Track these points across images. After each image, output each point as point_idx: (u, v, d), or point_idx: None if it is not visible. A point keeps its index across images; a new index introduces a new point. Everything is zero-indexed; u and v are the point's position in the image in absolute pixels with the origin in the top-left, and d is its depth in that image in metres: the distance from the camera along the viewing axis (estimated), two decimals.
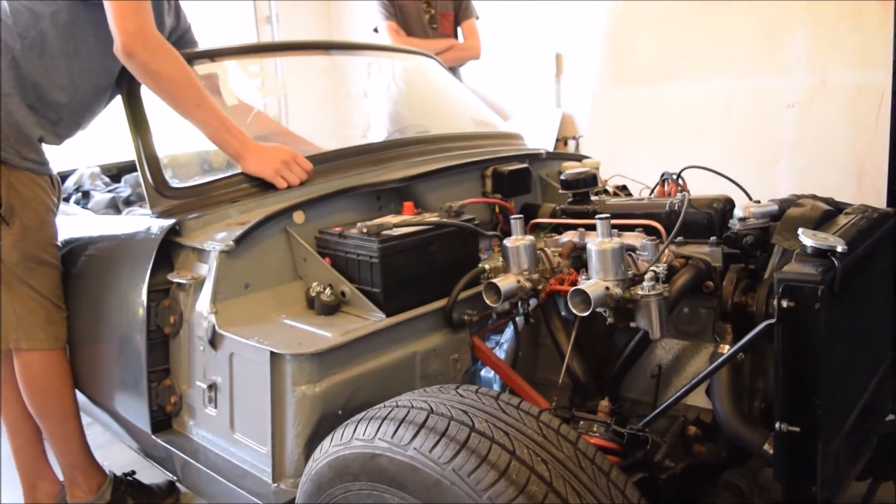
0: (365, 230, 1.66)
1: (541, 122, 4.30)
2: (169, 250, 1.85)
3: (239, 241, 1.70)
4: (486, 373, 2.07)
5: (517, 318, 1.92)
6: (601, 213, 1.64)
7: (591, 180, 2.07)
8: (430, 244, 1.75)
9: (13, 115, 2.00)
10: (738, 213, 1.72)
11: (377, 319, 1.63)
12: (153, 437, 1.84)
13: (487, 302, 1.69)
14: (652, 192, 2.19)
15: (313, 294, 1.71)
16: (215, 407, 1.73)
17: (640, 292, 1.55)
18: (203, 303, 1.70)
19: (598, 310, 1.55)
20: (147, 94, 2.04)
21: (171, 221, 1.82)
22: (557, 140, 4.31)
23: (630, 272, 1.60)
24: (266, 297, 1.75)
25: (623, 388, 1.80)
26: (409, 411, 1.21)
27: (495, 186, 2.19)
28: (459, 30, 4.01)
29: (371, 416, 1.26)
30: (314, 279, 1.76)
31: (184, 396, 1.83)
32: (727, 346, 1.62)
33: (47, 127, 2.10)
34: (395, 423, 1.20)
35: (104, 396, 2.09)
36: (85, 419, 2.30)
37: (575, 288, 1.53)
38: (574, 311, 1.54)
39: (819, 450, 1.34)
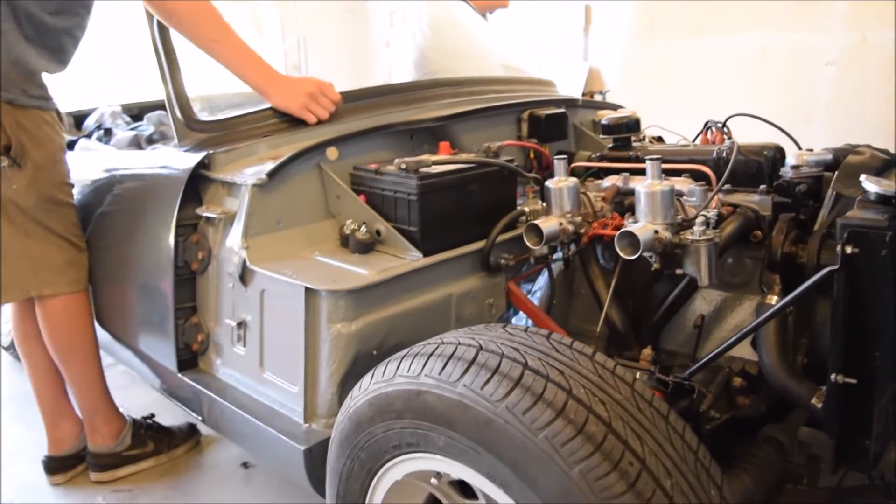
0: (404, 166, 1.60)
1: (567, 76, 4.20)
2: (197, 184, 1.79)
3: (272, 174, 1.64)
4: (517, 320, 2.02)
5: (554, 264, 1.87)
6: (644, 157, 1.57)
7: (633, 125, 2.00)
8: (469, 184, 1.69)
9: (13, 51, 1.91)
10: (790, 160, 1.65)
11: (414, 259, 1.58)
12: (179, 375, 1.80)
13: (528, 244, 1.63)
14: (695, 140, 2.11)
15: (347, 232, 1.65)
16: (244, 345, 1.69)
17: (690, 237, 1.49)
18: (234, 238, 1.65)
19: (645, 254, 1.49)
20: None
21: (201, 154, 1.77)
22: (584, 94, 4.21)
23: (679, 217, 1.54)
24: (298, 233, 1.70)
25: (662, 339, 1.75)
26: (456, 347, 1.16)
27: (531, 131, 2.12)
28: None
29: (416, 352, 1.21)
30: (348, 217, 1.70)
31: (211, 334, 1.79)
32: (775, 297, 1.57)
33: (49, 56, 2.00)
34: (443, 359, 1.15)
35: (128, 334, 2.05)
36: (105, 360, 2.27)
37: (623, 230, 1.47)
38: (621, 253, 1.48)
39: (875, 403, 1.29)
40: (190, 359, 1.82)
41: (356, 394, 1.28)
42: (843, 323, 1.28)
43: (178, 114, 1.87)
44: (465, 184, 1.68)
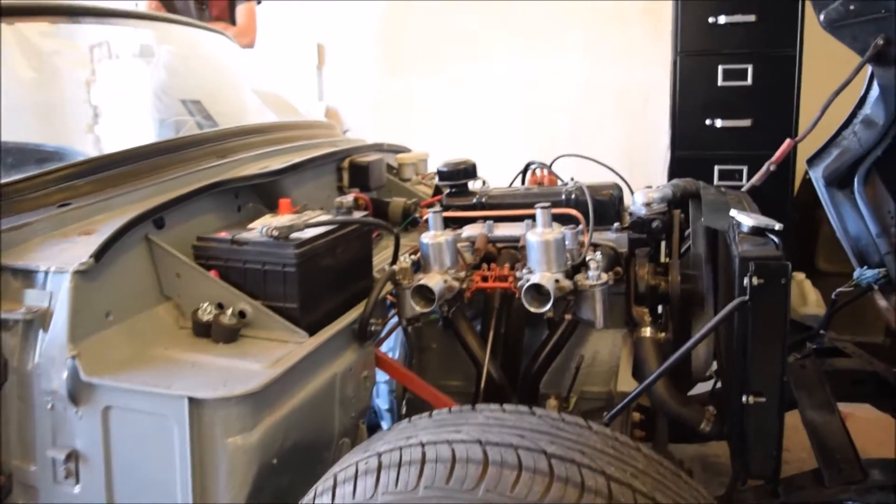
0: (275, 233, 1.36)
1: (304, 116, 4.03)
2: None
3: (99, 255, 1.28)
4: None
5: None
6: (491, 204, 1.54)
7: (471, 171, 1.96)
8: (339, 246, 1.50)
9: None
10: (640, 198, 1.74)
11: (301, 340, 1.35)
12: None
13: (416, 308, 1.50)
14: (513, 182, 2.14)
15: (206, 317, 1.36)
16: (76, 482, 1.29)
17: (587, 282, 1.48)
18: (53, 344, 1.25)
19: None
20: None
21: None
22: None
23: (568, 263, 1.52)
24: (134, 327, 1.36)
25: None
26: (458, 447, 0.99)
27: (352, 179, 1.97)
28: (236, 12, 3.60)
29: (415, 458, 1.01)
30: (194, 298, 1.40)
31: (15, 475, 1.34)
32: (648, 329, 1.64)
33: None
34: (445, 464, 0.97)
35: None
36: None
37: (532, 283, 1.41)
38: (529, 307, 1.43)
39: (782, 417, 1.40)
40: None
41: None
42: (756, 347, 1.37)
43: None
44: (336, 246, 1.48)
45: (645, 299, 1.66)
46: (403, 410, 1.84)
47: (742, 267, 1.35)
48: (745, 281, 1.34)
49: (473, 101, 3.76)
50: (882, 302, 2.03)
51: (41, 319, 1.28)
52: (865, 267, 2.08)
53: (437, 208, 1.58)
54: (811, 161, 2.14)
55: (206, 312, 1.36)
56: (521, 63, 3.67)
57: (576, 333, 1.78)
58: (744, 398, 1.39)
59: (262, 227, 1.39)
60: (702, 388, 1.87)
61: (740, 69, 2.79)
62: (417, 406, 1.83)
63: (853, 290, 2.03)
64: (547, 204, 1.49)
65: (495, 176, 2.16)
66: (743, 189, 2.06)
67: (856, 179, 2.08)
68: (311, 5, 4.05)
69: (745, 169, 2.80)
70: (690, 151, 2.91)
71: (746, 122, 2.82)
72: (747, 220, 1.45)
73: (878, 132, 1.98)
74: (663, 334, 1.63)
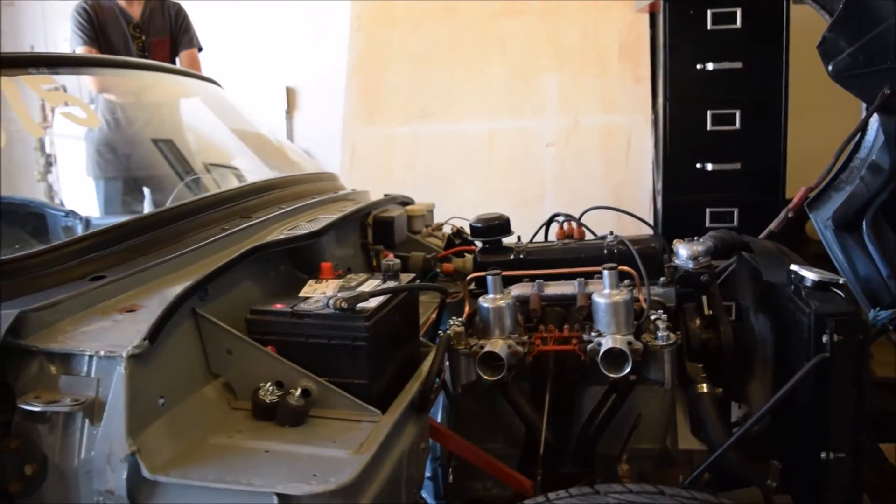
0: (344, 305, 1.26)
1: None
2: None
3: (154, 336, 1.16)
4: None
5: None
6: (531, 261, 1.49)
7: (506, 226, 1.89)
8: (396, 314, 1.41)
9: None
10: (684, 252, 1.71)
11: (375, 418, 1.25)
12: None
13: (484, 377, 1.42)
14: (535, 235, 2.10)
15: (268, 399, 1.24)
16: None
17: (657, 343, 1.44)
18: (108, 439, 1.11)
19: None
20: None
21: (10, 314, 1.18)
22: None
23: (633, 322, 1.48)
24: (187, 412, 1.23)
25: None
26: None
27: (377, 236, 1.89)
28: (178, 60, 3.48)
29: None
30: (249, 376, 1.29)
31: None
32: (705, 385, 1.60)
33: None
34: None
35: None
36: None
37: (609, 347, 1.36)
38: (607, 373, 1.37)
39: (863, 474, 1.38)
40: None
41: None
42: (836, 404, 1.35)
43: None
44: (394, 314, 1.40)
45: (697, 354, 1.62)
46: (450, 479, 1.74)
47: (818, 323, 1.33)
48: (825, 338, 1.32)
49: (451, 146, 3.70)
50: None
51: (87, 411, 1.14)
52: (878, 308, 2.11)
53: (496, 270, 1.51)
54: (811, 205, 2.18)
55: (270, 393, 1.25)
56: (498, 111, 3.65)
57: (641, 395, 1.74)
58: (823, 454, 1.36)
59: (325, 297, 1.29)
60: None
61: (729, 114, 2.85)
62: (465, 472, 1.74)
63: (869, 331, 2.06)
64: (613, 265, 1.44)
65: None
66: (761, 236, 2.07)
67: (864, 223, 2.13)
68: (280, 48, 3.95)
69: (735, 211, 2.85)
70: (682, 195, 2.95)
71: (736, 166, 2.88)
72: (810, 274, 1.44)
73: (885, 177, 2.03)
74: (720, 389, 1.60)
